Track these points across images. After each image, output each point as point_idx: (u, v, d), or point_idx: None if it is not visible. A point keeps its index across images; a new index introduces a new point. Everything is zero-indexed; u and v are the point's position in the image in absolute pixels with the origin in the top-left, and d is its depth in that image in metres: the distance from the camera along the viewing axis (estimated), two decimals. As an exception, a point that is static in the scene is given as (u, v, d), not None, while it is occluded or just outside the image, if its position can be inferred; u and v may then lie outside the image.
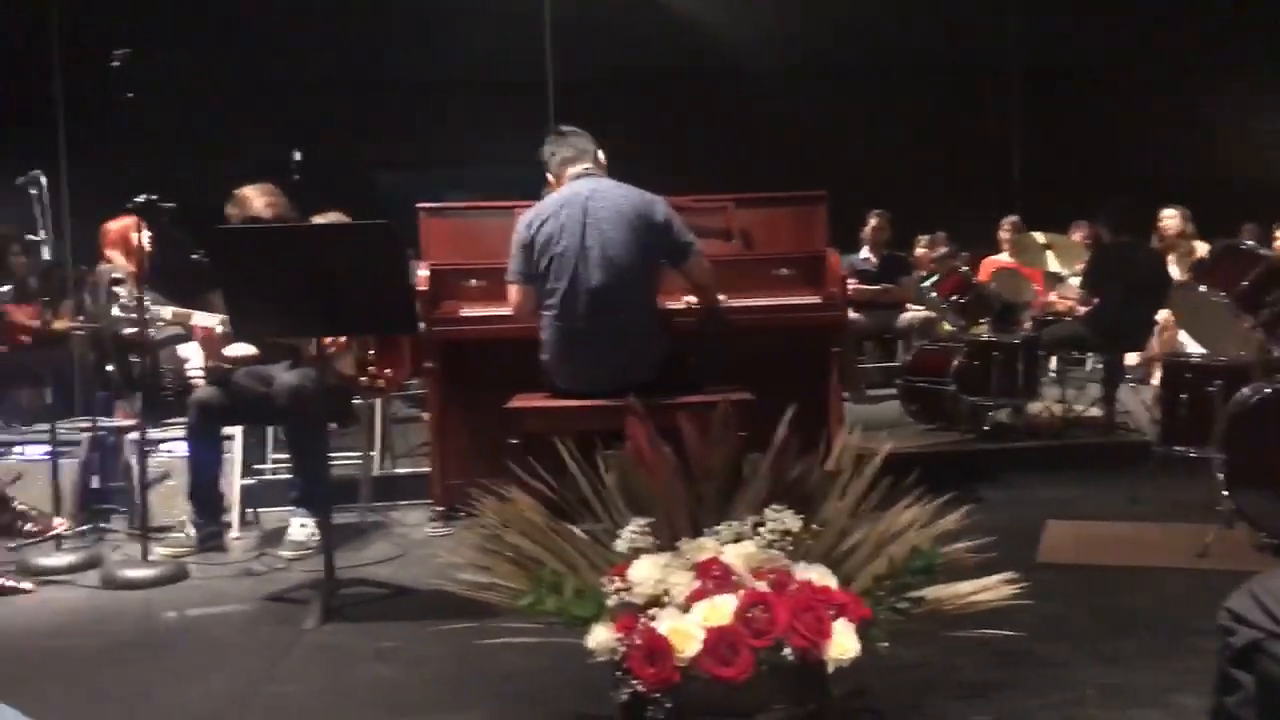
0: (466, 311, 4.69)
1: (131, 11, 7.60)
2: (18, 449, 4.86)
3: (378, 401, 5.30)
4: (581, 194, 4.08)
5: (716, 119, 10.68)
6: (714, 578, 2.21)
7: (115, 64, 4.01)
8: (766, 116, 10.63)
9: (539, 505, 2.51)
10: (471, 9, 8.67)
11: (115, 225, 5.33)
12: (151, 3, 8.38)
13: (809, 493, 2.41)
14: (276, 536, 4.47)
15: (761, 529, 2.30)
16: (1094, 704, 2.60)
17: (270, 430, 5.58)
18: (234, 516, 4.71)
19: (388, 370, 4.57)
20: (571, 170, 4.19)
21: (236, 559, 4.31)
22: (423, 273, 4.70)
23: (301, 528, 4.30)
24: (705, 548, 2.29)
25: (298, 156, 5.40)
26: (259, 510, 4.96)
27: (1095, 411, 6.34)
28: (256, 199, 4.41)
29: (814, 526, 2.35)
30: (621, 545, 2.34)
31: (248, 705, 2.75)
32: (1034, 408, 6.37)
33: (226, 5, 8.82)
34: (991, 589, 2.34)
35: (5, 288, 4.38)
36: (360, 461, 5.10)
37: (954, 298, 6.68)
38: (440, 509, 4.71)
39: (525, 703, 2.68)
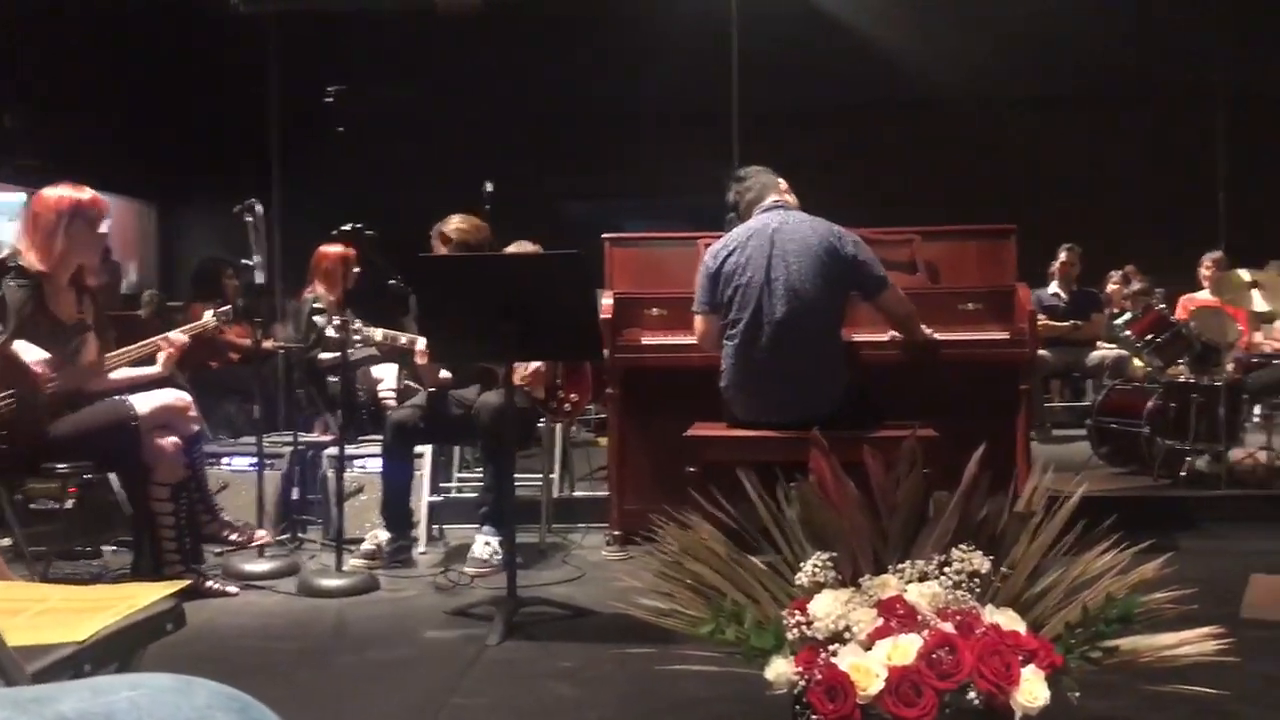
0: (648, 340, 4.78)
1: (340, 50, 8.03)
2: (225, 460, 5.16)
3: (558, 425, 5.43)
4: (769, 226, 4.11)
5: (905, 152, 10.56)
6: (898, 616, 2.18)
7: (329, 100, 4.27)
8: (955, 149, 10.45)
9: (719, 534, 2.53)
10: (659, 41, 8.81)
11: (329, 250, 5.61)
12: (358, 42, 8.84)
13: (998, 533, 2.36)
14: (461, 552, 4.62)
15: (947, 569, 2.26)
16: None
17: (456, 450, 5.78)
18: (421, 531, 4.90)
19: (573, 395, 4.68)
20: (760, 206, 4.23)
21: (423, 572, 4.47)
22: (606, 301, 4.81)
23: (485, 545, 4.43)
24: (889, 585, 2.27)
25: (489, 188, 5.64)
26: (444, 526, 5.15)
27: (1306, 461, 5.97)
28: (451, 221, 4.69)
29: (1003, 569, 2.29)
30: (803, 579, 2.34)
31: (432, 717, 2.84)
32: (1237, 454, 6.04)
33: (421, 44, 9.22)
34: (1194, 642, 2.23)
35: (224, 308, 4.66)
36: (541, 483, 5.23)
37: (1150, 336, 6.41)
38: (617, 533, 4.78)
39: (702, 730, 2.69)
